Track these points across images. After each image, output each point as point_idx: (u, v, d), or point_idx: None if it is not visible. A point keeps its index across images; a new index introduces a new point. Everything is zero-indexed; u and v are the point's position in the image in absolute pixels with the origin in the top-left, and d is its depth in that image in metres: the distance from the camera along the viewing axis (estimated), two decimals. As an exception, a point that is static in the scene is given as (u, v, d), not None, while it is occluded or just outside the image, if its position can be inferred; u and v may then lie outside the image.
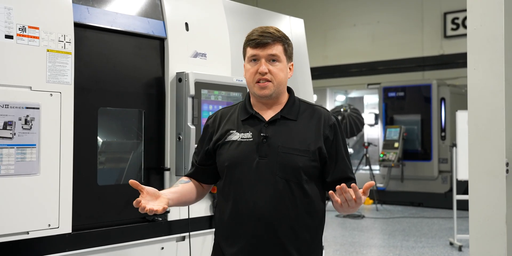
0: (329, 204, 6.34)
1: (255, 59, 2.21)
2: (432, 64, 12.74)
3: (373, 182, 2.07)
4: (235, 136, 2.24)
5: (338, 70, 13.65)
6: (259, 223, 2.15)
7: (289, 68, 2.28)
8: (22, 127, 2.64)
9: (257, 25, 4.26)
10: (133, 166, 3.31)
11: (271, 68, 2.19)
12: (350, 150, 12.11)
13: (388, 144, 11.06)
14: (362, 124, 11.82)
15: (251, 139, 2.20)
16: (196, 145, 3.18)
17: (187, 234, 3.34)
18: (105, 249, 2.98)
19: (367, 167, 11.17)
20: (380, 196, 11.05)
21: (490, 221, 3.02)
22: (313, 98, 4.54)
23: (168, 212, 3.27)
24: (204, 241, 3.49)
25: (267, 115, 2.25)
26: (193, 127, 3.24)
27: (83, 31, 2.95)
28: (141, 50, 3.23)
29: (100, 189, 3.02)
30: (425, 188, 10.85)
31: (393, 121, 11.45)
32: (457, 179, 7.17)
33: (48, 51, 2.74)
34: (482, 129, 3.07)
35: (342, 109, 11.34)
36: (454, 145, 7.24)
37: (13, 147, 2.61)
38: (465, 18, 12.35)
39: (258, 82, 2.20)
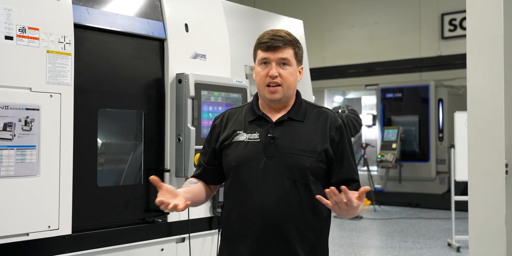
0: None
1: (265, 62, 2.22)
2: (430, 65, 12.76)
3: (368, 187, 2.07)
4: (242, 136, 2.25)
5: (336, 71, 13.66)
6: (265, 223, 2.16)
7: (299, 72, 2.30)
8: (22, 128, 2.63)
9: (256, 27, 4.29)
10: (133, 167, 3.30)
11: (281, 71, 2.20)
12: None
13: (386, 145, 11.07)
14: (360, 125, 11.82)
15: (258, 140, 2.22)
16: (195, 146, 3.24)
17: (187, 235, 3.34)
18: (105, 251, 2.97)
19: (365, 168, 11.17)
20: (378, 197, 11.05)
21: (490, 222, 3.03)
22: (312, 99, 4.54)
23: (168, 213, 3.26)
24: (204, 242, 3.48)
25: (274, 116, 2.27)
26: (193, 128, 3.23)
27: (83, 32, 2.94)
28: (141, 51, 3.22)
29: (100, 191, 3.01)
30: (423, 189, 10.86)
31: (390, 122, 11.46)
32: (455, 180, 7.17)
33: (48, 52, 2.74)
34: (481, 130, 3.07)
35: (340, 110, 11.33)
36: (452, 146, 7.25)
37: (13, 149, 2.60)
38: (462, 19, 12.39)
39: (268, 85, 2.21)
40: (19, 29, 2.64)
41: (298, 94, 2.34)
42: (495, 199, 3.02)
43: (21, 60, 2.64)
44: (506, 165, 3.10)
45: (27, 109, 2.65)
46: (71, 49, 2.83)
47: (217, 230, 3.52)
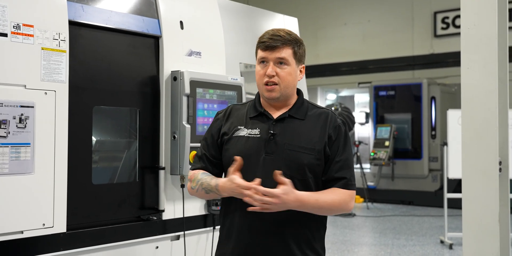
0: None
1: (263, 61, 2.25)
2: (422, 63, 12.80)
3: (279, 171, 2.10)
4: (243, 131, 2.28)
5: (329, 69, 13.68)
6: (263, 218, 2.17)
7: (300, 71, 2.31)
8: (17, 126, 2.62)
9: (251, 24, 4.28)
10: (128, 165, 3.29)
11: (278, 71, 2.23)
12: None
13: (378, 143, 11.10)
14: (353, 122, 11.84)
15: (259, 136, 2.24)
16: (191, 143, 3.24)
17: (182, 233, 3.33)
18: (100, 249, 2.97)
19: (358, 165, 11.21)
20: (370, 195, 11.09)
21: (483, 219, 3.04)
22: (306, 97, 4.54)
23: (163, 211, 3.26)
24: (199, 240, 3.48)
25: (276, 113, 2.30)
26: (188, 126, 3.23)
27: (77, 29, 2.93)
28: (136, 48, 3.21)
29: (94, 188, 3.00)
30: (415, 187, 10.90)
31: (383, 119, 11.50)
32: (448, 178, 7.21)
33: (42, 49, 2.72)
34: (475, 128, 3.08)
35: (333, 108, 11.35)
36: (445, 143, 7.28)
37: (8, 146, 2.58)
38: (455, 17, 12.43)
39: (266, 84, 2.24)
40: (13, 26, 2.62)
41: (300, 93, 2.36)
42: (489, 196, 3.03)
43: (16, 57, 2.63)
44: (500, 163, 3.11)
45: (21, 106, 2.63)
46: (66, 46, 2.81)
47: (212, 228, 3.52)
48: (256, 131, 2.26)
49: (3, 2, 2.59)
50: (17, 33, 2.63)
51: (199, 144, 3.25)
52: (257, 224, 2.20)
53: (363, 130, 12.63)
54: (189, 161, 3.23)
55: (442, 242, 7.31)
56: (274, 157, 2.20)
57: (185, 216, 3.33)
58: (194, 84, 3.27)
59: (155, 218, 3.22)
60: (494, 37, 3.06)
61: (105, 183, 3.19)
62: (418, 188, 10.86)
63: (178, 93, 3.24)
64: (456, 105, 10.16)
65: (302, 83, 4.47)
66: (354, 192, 2.26)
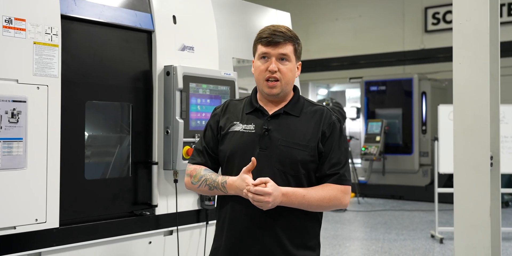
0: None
1: (265, 56, 2.25)
2: (413, 59, 12.84)
3: (265, 178, 2.11)
4: (238, 127, 2.29)
5: (320, 64, 13.68)
6: (256, 213, 2.18)
7: (297, 67, 2.33)
8: (9, 121, 2.60)
9: (244, 19, 4.27)
10: (120, 160, 3.28)
11: (280, 67, 2.24)
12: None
13: (369, 138, 11.14)
14: (344, 118, 11.87)
15: (254, 131, 2.26)
16: (184, 138, 3.23)
17: (175, 228, 3.33)
18: (93, 244, 2.96)
19: (349, 160, 11.23)
20: (361, 190, 11.13)
21: (475, 213, 3.07)
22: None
23: (156, 206, 3.25)
24: (192, 235, 3.48)
25: (271, 109, 2.31)
26: (181, 121, 3.22)
27: (70, 24, 2.91)
28: (128, 43, 3.20)
29: (87, 183, 2.99)
30: (406, 181, 10.95)
31: (374, 115, 11.53)
32: (438, 173, 7.24)
33: (34, 43, 2.70)
34: (467, 123, 3.10)
35: (324, 103, 11.37)
36: (436, 138, 7.31)
37: (0, 141, 2.57)
38: (445, 13, 12.47)
39: (267, 80, 2.24)
40: (5, 20, 2.60)
41: (296, 90, 2.37)
42: (480, 191, 3.06)
43: (8, 52, 2.60)
44: (491, 158, 3.14)
45: (14, 101, 2.61)
46: (58, 40, 2.79)
47: (205, 223, 3.52)
48: (251, 127, 2.27)
49: (-5, -5, 2.57)
50: (9, 27, 2.61)
51: (192, 139, 3.26)
52: (249, 216, 2.21)
53: (354, 125, 12.67)
54: (182, 156, 3.22)
55: (432, 236, 7.36)
56: (268, 152, 2.21)
57: (178, 211, 3.33)
58: (187, 79, 3.26)
59: (148, 213, 3.21)
60: (486, 32, 3.07)
61: (98, 178, 3.18)
62: (408, 183, 10.92)
63: (171, 88, 3.23)
64: (447, 100, 10.21)
65: (295, 79, 4.45)
66: (348, 187, 2.26)
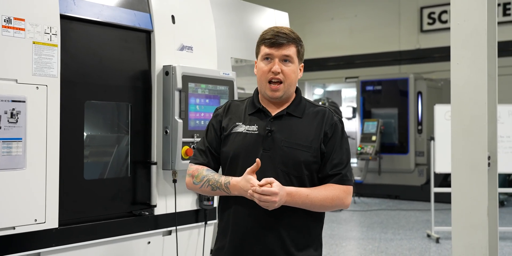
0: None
1: (268, 58, 2.25)
2: (409, 58, 12.87)
3: (270, 179, 2.11)
4: (241, 128, 2.28)
5: (316, 64, 13.69)
6: (260, 214, 2.18)
7: (300, 69, 2.33)
8: (8, 121, 2.59)
9: (242, 19, 4.27)
10: (119, 160, 3.28)
11: (284, 68, 2.24)
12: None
13: (365, 138, 11.16)
14: (340, 117, 11.88)
15: (257, 132, 2.25)
16: (183, 138, 3.23)
17: (174, 228, 3.33)
18: (92, 244, 2.96)
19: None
20: (357, 189, 11.13)
21: (472, 213, 3.08)
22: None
23: (155, 206, 3.25)
24: (191, 235, 3.48)
25: (274, 110, 2.31)
26: (180, 121, 3.22)
27: (69, 23, 2.90)
28: (127, 42, 3.19)
29: (86, 184, 2.99)
30: (401, 181, 10.97)
31: (370, 114, 11.55)
32: (435, 172, 7.26)
33: (34, 43, 2.70)
34: (465, 123, 3.11)
35: (320, 103, 11.39)
36: (432, 138, 7.33)
37: (-1, 141, 2.56)
38: (441, 13, 12.51)
39: (270, 82, 2.24)
40: (4, 20, 2.59)
41: (298, 91, 2.37)
42: (478, 190, 3.07)
43: (7, 51, 2.60)
44: (489, 158, 3.15)
45: (13, 101, 2.61)
46: (57, 40, 2.79)
47: (203, 223, 3.52)
48: (254, 128, 2.26)
49: (-6, -5, 2.56)
50: (8, 27, 2.60)
51: (191, 139, 3.26)
52: (253, 217, 2.20)
53: (350, 125, 12.67)
54: (181, 156, 3.22)
55: (429, 236, 7.37)
56: (271, 153, 2.21)
57: (177, 211, 3.33)
58: (186, 78, 3.26)
59: (147, 213, 3.21)
60: (484, 32, 3.08)
61: (97, 179, 3.18)
62: (404, 183, 10.94)
63: (170, 88, 3.23)
64: (443, 100, 10.24)
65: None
66: (350, 187, 2.26)
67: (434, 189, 7.28)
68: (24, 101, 2.64)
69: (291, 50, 2.25)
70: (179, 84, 3.21)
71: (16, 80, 2.63)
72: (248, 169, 2.13)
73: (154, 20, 3.29)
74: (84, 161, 3.00)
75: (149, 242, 3.25)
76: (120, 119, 3.30)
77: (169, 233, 3.36)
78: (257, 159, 2.12)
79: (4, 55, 2.59)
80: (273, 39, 2.23)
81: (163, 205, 3.29)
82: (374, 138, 11.05)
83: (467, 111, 3.11)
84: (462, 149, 3.09)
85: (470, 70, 3.11)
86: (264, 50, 2.25)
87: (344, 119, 12.40)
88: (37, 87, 2.70)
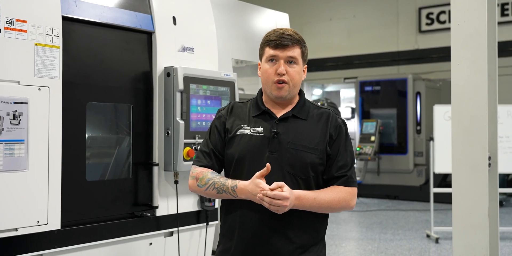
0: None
1: (273, 59, 2.25)
2: (407, 59, 12.89)
3: (281, 183, 2.10)
4: (246, 130, 2.27)
5: (315, 64, 13.69)
6: (266, 217, 2.18)
7: (303, 71, 2.33)
8: (11, 122, 2.59)
9: (243, 20, 4.28)
10: (121, 161, 3.28)
11: (288, 69, 2.24)
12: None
13: (364, 138, 11.17)
14: (339, 118, 11.88)
15: (262, 134, 2.24)
16: (184, 140, 3.23)
17: (175, 229, 3.33)
18: (94, 245, 2.96)
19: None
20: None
21: (473, 214, 3.08)
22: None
23: (157, 207, 3.25)
24: (192, 236, 3.48)
25: (278, 112, 2.30)
26: (182, 122, 3.22)
27: (70, 25, 2.90)
28: (129, 44, 3.19)
29: (88, 185, 2.99)
30: (400, 181, 10.98)
31: (369, 115, 11.56)
32: (434, 172, 7.27)
33: (36, 44, 2.70)
34: (465, 124, 3.12)
35: (319, 103, 11.40)
36: (431, 138, 7.34)
37: (1, 143, 2.56)
38: (439, 13, 12.53)
39: (276, 82, 2.24)
40: (6, 21, 2.59)
41: (302, 93, 2.37)
42: (478, 191, 3.07)
43: (9, 53, 2.60)
44: (489, 158, 3.16)
45: (15, 102, 2.61)
46: (59, 42, 2.79)
47: (205, 224, 3.52)
48: (259, 130, 2.25)
49: (-4, -3, 2.57)
50: (11, 29, 2.61)
51: (193, 140, 3.26)
52: (260, 221, 2.20)
53: (349, 125, 12.62)
54: (183, 157, 3.23)
55: (428, 236, 7.38)
56: (278, 155, 2.21)
57: (178, 212, 3.33)
58: (188, 80, 3.26)
59: (149, 214, 3.21)
60: (484, 33, 3.09)
61: (99, 180, 3.18)
62: (403, 183, 10.95)
63: (171, 89, 3.23)
64: (441, 100, 10.25)
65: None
66: (355, 189, 2.27)
67: (434, 190, 7.29)
68: (26, 103, 2.65)
69: (295, 52, 2.25)
70: (181, 85, 3.22)
71: (18, 82, 2.63)
72: (257, 173, 2.12)
73: (155, 22, 3.29)
74: (86, 163, 3.00)
75: (150, 243, 3.25)
76: (121, 121, 3.30)
77: (171, 234, 3.36)
78: (268, 164, 2.11)
79: (6, 56, 2.59)
80: (277, 40, 2.23)
81: (164, 206, 3.29)
82: (373, 138, 11.06)
83: (467, 112, 3.11)
84: (463, 149, 3.10)
85: (470, 70, 3.12)
86: (269, 51, 2.25)
87: (343, 120, 12.47)
88: (39, 89, 2.70)
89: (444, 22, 12.42)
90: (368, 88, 11.58)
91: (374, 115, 11.48)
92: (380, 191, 11.19)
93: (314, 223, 2.26)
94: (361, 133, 11.34)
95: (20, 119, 2.62)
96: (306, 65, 2.34)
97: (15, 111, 2.61)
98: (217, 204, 3.52)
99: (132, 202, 3.18)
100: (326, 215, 2.33)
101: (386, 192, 11.18)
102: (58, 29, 2.79)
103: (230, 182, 2.21)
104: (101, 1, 3.07)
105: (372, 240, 7.27)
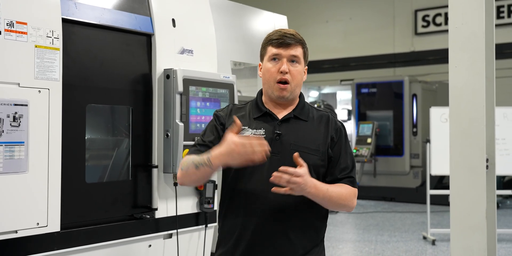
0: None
1: (276, 58, 2.24)
2: (403, 61, 12.93)
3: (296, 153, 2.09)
4: (248, 132, 2.24)
5: (311, 66, 13.64)
6: (269, 218, 2.18)
7: (304, 71, 2.32)
8: (11, 124, 2.59)
9: (241, 22, 4.29)
10: (120, 163, 3.28)
11: (291, 68, 2.23)
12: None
13: (361, 140, 11.18)
14: (335, 120, 11.89)
15: (264, 136, 2.22)
16: (184, 142, 3.23)
17: (175, 231, 3.33)
18: (94, 247, 2.96)
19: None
20: (353, 191, 11.16)
21: (471, 215, 3.09)
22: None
23: (156, 209, 3.25)
24: (191, 238, 3.48)
25: (279, 114, 2.29)
26: (181, 124, 3.22)
27: (70, 27, 2.91)
28: (128, 46, 3.20)
29: (88, 187, 2.99)
30: (397, 183, 11.01)
31: (365, 117, 11.58)
32: (430, 174, 7.29)
33: (36, 47, 2.70)
34: (463, 126, 3.13)
35: (315, 105, 11.42)
36: (428, 140, 7.36)
37: (1, 145, 2.56)
38: (435, 16, 12.58)
39: (278, 82, 2.23)
40: (7, 23, 2.59)
41: (301, 95, 2.37)
42: (476, 193, 3.08)
43: (9, 55, 2.60)
44: (487, 160, 3.17)
45: (15, 104, 2.61)
46: (59, 44, 2.79)
47: (204, 226, 3.53)
48: (261, 131, 2.23)
49: (-3, -1, 2.57)
50: (11, 31, 2.61)
51: (192, 142, 3.26)
52: (263, 221, 2.19)
53: (345, 127, 12.70)
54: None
55: (424, 238, 7.40)
56: (281, 157, 2.19)
57: (177, 214, 3.33)
58: (187, 82, 3.27)
59: (148, 216, 3.21)
60: (482, 35, 3.10)
61: (98, 182, 3.18)
62: (399, 185, 10.97)
63: (171, 91, 3.23)
64: (437, 102, 10.28)
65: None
66: (356, 190, 2.29)
67: (430, 191, 7.31)
68: (26, 105, 2.65)
69: (298, 51, 2.25)
70: (180, 88, 3.22)
71: (19, 84, 2.63)
72: (231, 130, 2.03)
73: (155, 24, 3.30)
74: (86, 165, 3.00)
75: (150, 245, 3.25)
76: (121, 123, 3.30)
77: (170, 236, 3.36)
78: (237, 120, 2.04)
79: (7, 58, 2.59)
80: (280, 39, 2.22)
81: (164, 208, 3.30)
82: (369, 140, 11.08)
83: (465, 114, 3.13)
84: (461, 151, 3.11)
85: (468, 73, 3.13)
86: (272, 50, 2.24)
87: (339, 122, 12.49)
88: (39, 91, 2.70)
89: (440, 25, 12.47)
90: (364, 90, 11.61)
91: (371, 117, 11.50)
92: (376, 193, 11.21)
93: (315, 224, 2.27)
94: (357, 135, 11.36)
95: (20, 121, 2.62)
96: (306, 67, 2.34)
97: (15, 113, 2.61)
98: (216, 206, 3.52)
99: (132, 204, 3.18)
100: (326, 216, 2.33)
101: (383, 194, 11.20)
102: (58, 31, 2.79)
103: (205, 153, 2.12)
104: (101, 3, 3.07)
105: (369, 242, 7.28)
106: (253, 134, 2.24)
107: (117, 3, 3.18)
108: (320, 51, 13.78)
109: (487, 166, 3.16)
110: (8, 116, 2.58)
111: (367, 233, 7.90)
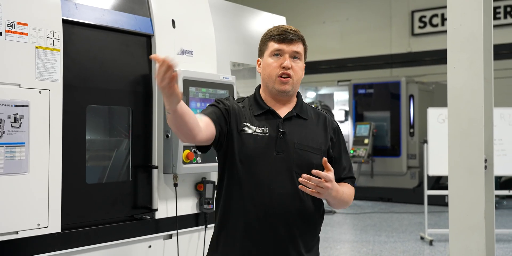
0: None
1: (277, 54, 2.23)
2: (400, 62, 12.96)
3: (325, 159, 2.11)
4: (250, 129, 2.22)
5: (308, 67, 13.60)
6: (274, 217, 2.17)
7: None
8: (11, 125, 2.59)
9: (240, 23, 4.29)
10: (120, 164, 3.28)
11: (293, 64, 2.23)
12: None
13: (358, 141, 11.21)
14: (333, 120, 11.90)
15: (268, 134, 2.21)
16: (184, 143, 3.24)
17: (175, 232, 3.34)
18: (94, 248, 2.95)
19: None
20: (350, 192, 11.18)
21: (469, 216, 3.10)
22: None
23: (156, 210, 3.26)
24: (191, 238, 3.49)
25: (281, 111, 2.28)
26: (181, 125, 3.22)
27: (71, 28, 2.90)
28: (128, 47, 3.20)
29: (88, 188, 2.99)
30: (394, 184, 11.03)
31: (363, 117, 11.60)
32: (428, 175, 7.31)
33: (36, 47, 2.70)
34: (461, 127, 3.14)
35: (313, 106, 11.42)
36: (425, 141, 7.38)
37: (2, 146, 2.56)
38: (432, 16, 12.62)
39: (280, 76, 2.21)
40: (7, 24, 2.59)
41: (299, 93, 2.38)
42: (475, 193, 3.09)
43: (10, 56, 2.60)
44: (485, 161, 3.18)
45: (16, 105, 2.61)
46: (60, 44, 2.79)
47: (203, 226, 3.53)
48: (264, 129, 2.22)
49: (-3, 0, 2.57)
50: (12, 32, 2.61)
51: (192, 144, 3.26)
52: (265, 225, 2.18)
53: (342, 128, 12.66)
54: (182, 160, 3.23)
55: (422, 238, 7.42)
56: (285, 156, 2.19)
57: (177, 215, 3.33)
58: (187, 83, 3.27)
59: (148, 217, 3.21)
60: (480, 36, 3.12)
61: (99, 183, 3.17)
62: (396, 185, 11.00)
63: (171, 92, 3.22)
64: (434, 103, 10.31)
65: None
66: (353, 189, 2.35)
67: (428, 192, 7.33)
68: (27, 106, 2.65)
69: (299, 47, 2.25)
70: (180, 88, 3.22)
71: (19, 85, 2.63)
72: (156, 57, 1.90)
73: (155, 25, 3.30)
74: (86, 165, 3.00)
75: (150, 246, 3.25)
76: (121, 123, 3.30)
77: (170, 236, 3.36)
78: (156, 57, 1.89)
79: (7, 59, 2.59)
80: (283, 35, 2.22)
81: (164, 209, 3.30)
82: (366, 141, 11.11)
83: (464, 114, 3.14)
84: (459, 152, 3.12)
85: (467, 73, 3.15)
86: (274, 45, 2.23)
87: (336, 122, 12.52)
88: (40, 92, 2.70)
89: (436, 25, 12.51)
90: (361, 91, 11.63)
91: (368, 118, 11.53)
92: (373, 194, 11.23)
93: (316, 221, 2.28)
94: (354, 136, 11.38)
95: (21, 122, 2.62)
96: (304, 64, 2.34)
97: (16, 114, 2.60)
98: (216, 206, 3.52)
99: (132, 204, 3.18)
100: (324, 214, 2.35)
101: (380, 194, 11.22)
102: (59, 32, 2.79)
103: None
104: (101, 4, 3.07)
105: (367, 243, 7.29)
106: (257, 132, 2.22)
107: (117, 4, 3.18)
108: (317, 52, 13.79)
109: (485, 167, 3.18)
110: (9, 117, 2.58)
111: (364, 234, 7.91)
